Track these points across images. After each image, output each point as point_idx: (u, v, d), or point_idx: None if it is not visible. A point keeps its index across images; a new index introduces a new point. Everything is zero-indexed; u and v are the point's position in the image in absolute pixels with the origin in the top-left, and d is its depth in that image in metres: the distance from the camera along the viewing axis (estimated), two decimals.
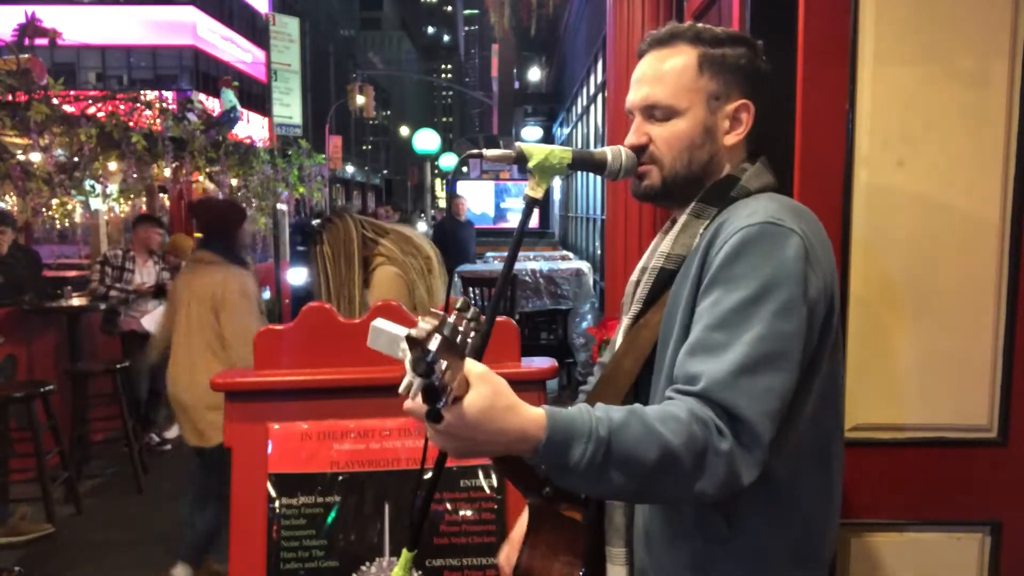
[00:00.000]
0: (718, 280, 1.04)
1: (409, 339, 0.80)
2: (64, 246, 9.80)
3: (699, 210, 1.17)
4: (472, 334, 0.89)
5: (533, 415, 0.93)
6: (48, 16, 5.82)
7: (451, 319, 0.87)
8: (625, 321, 1.23)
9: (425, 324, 0.82)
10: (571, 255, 9.41)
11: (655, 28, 1.25)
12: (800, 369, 1.02)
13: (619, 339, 1.24)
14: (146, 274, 5.27)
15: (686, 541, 1.11)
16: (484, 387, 0.89)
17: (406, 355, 0.84)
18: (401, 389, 0.88)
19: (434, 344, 0.79)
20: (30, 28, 5.33)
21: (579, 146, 10.03)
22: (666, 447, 0.93)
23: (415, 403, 0.87)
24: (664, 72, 1.17)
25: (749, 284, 1.01)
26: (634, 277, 1.28)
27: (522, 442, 0.92)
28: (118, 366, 4.67)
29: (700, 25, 1.18)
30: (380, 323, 1.00)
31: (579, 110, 12.26)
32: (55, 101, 4.86)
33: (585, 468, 0.92)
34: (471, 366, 0.90)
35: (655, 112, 1.17)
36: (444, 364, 0.80)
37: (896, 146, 1.62)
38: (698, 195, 1.18)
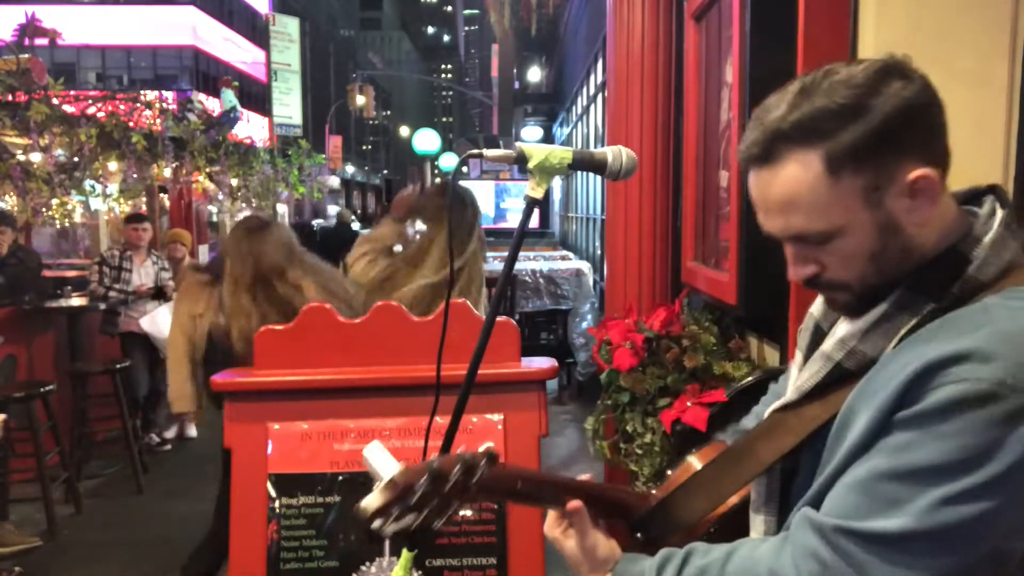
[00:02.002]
0: (916, 424, 0.81)
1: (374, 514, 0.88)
2: (64, 246, 9.80)
3: (906, 300, 0.89)
4: (471, 480, 0.93)
5: (608, 555, 1.00)
6: (48, 16, 5.83)
7: (423, 483, 0.90)
8: (777, 401, 1.03)
9: (398, 478, 0.89)
10: (571, 255, 9.41)
11: (655, 28, 1.22)
12: (985, 551, 0.81)
13: (766, 409, 1.05)
14: (144, 274, 5.27)
15: None
16: (573, 544, 1.02)
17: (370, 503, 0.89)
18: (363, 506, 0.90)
19: (385, 526, 0.88)
20: (30, 28, 5.34)
21: (579, 146, 10.03)
22: None
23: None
24: (787, 198, 0.88)
25: (948, 449, 0.79)
26: (816, 312, 1.06)
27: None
28: (118, 366, 4.67)
29: (810, 109, 0.86)
30: (370, 452, 1.00)
31: (579, 110, 12.26)
32: (55, 101, 4.86)
33: None
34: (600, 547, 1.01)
35: (808, 241, 0.91)
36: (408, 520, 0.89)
37: None
38: (895, 287, 0.90)
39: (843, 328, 0.95)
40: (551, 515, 1.07)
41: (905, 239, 0.88)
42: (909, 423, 0.82)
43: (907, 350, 0.85)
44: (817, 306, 1.05)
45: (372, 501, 0.88)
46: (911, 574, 0.80)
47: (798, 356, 1.07)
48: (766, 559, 0.89)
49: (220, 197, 7.28)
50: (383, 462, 0.95)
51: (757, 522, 1.04)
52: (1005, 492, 0.78)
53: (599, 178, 4.03)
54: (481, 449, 0.94)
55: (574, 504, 1.02)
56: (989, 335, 0.80)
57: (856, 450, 0.86)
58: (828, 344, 0.96)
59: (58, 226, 6.35)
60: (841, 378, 0.93)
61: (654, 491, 1.14)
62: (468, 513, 2.13)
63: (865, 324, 0.91)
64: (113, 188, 5.94)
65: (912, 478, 0.81)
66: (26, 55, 4.99)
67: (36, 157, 4.91)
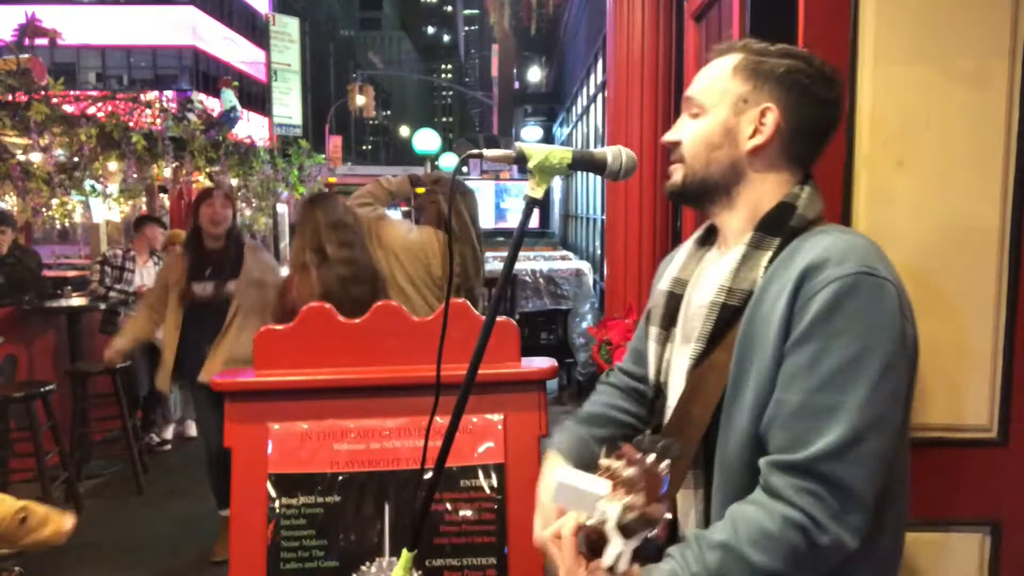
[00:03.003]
0: (813, 335, 1.00)
1: (643, 518, 0.82)
2: (65, 246, 9.80)
3: (758, 240, 1.12)
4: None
5: None
6: (48, 16, 5.82)
7: (663, 470, 0.86)
8: (684, 361, 1.16)
9: (636, 478, 0.84)
10: (571, 255, 9.41)
11: (655, 28, 1.27)
12: (901, 423, 1.02)
13: (671, 377, 1.20)
14: (146, 274, 5.27)
15: None
16: None
17: (605, 518, 0.84)
18: (608, 561, 0.87)
19: (662, 515, 0.83)
20: (30, 28, 5.33)
21: (579, 146, 10.03)
22: (770, 574, 0.96)
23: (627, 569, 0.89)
24: (705, 73, 1.18)
25: (850, 342, 0.98)
26: (665, 286, 1.25)
27: None
28: (118, 366, 4.67)
29: (766, 43, 1.16)
30: (565, 476, 0.90)
31: (579, 110, 12.26)
32: (55, 101, 4.86)
33: None
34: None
35: (690, 108, 1.17)
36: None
37: (896, 146, 1.62)
38: (713, 200, 1.17)
39: (712, 279, 1.15)
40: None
41: (735, 154, 1.14)
42: (807, 337, 1.00)
43: (778, 274, 1.06)
44: (666, 280, 1.27)
45: (634, 497, 0.83)
46: (872, 458, 0.97)
47: (654, 331, 1.25)
48: (764, 514, 0.98)
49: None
50: (588, 484, 0.89)
51: (687, 479, 1.15)
52: (902, 354, 1.01)
53: (599, 178, 4.04)
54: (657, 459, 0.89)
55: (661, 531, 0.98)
56: (832, 246, 1.04)
57: (768, 373, 1.03)
58: (704, 295, 1.15)
59: (58, 226, 6.35)
60: (731, 317, 1.10)
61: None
62: (468, 513, 2.13)
63: (732, 265, 1.12)
64: (113, 188, 5.93)
65: (837, 381, 0.98)
66: (26, 55, 4.98)
67: (36, 157, 4.90)
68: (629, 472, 0.84)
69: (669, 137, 1.19)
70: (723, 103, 1.14)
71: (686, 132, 1.17)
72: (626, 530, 0.82)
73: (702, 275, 1.20)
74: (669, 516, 0.82)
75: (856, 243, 1.05)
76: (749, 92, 1.12)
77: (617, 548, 0.83)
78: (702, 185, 1.16)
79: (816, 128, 1.14)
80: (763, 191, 1.14)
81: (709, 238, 1.26)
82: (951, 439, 1.67)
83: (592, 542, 0.89)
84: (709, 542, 0.98)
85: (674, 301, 1.22)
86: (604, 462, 0.91)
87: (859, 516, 0.97)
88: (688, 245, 1.30)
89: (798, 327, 1.00)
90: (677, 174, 1.18)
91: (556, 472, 0.94)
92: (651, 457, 0.86)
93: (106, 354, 3.83)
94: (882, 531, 1.07)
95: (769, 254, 1.09)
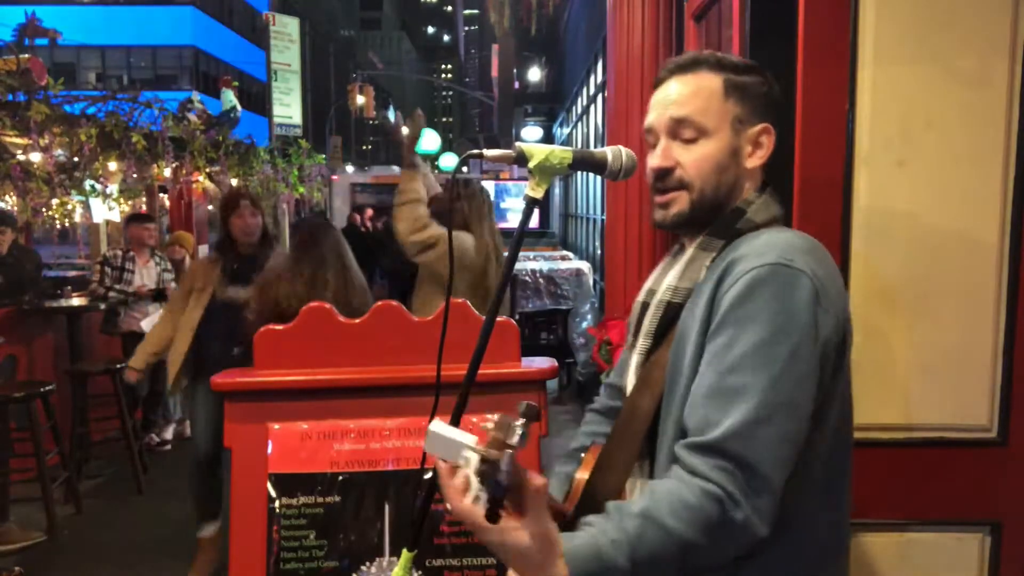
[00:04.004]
0: (727, 321, 1.04)
1: (484, 459, 0.88)
2: (65, 247, 9.80)
3: (705, 243, 1.17)
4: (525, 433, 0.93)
5: (558, 570, 0.96)
6: (48, 16, 5.82)
7: (518, 427, 0.91)
8: (635, 357, 1.23)
9: (496, 434, 0.90)
10: (571, 255, 9.41)
11: (655, 28, 1.27)
12: (812, 410, 1.04)
13: (630, 373, 1.24)
14: (146, 275, 5.27)
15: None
16: (530, 539, 0.94)
17: (469, 463, 0.90)
18: (468, 500, 0.92)
19: (506, 464, 0.87)
20: (30, 28, 5.33)
21: (579, 146, 10.03)
22: (686, 543, 0.97)
23: (470, 508, 0.92)
24: (692, 93, 1.17)
25: (760, 327, 1.02)
26: (640, 298, 1.28)
27: None
28: (118, 366, 4.67)
29: (719, 54, 1.20)
30: (437, 427, 0.98)
31: (579, 110, 12.27)
32: (55, 101, 4.86)
33: None
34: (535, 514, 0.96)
35: (683, 131, 1.17)
36: (509, 478, 0.87)
37: (896, 146, 1.62)
38: (711, 220, 1.18)
39: (666, 281, 1.20)
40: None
41: (739, 171, 1.18)
42: (722, 324, 1.05)
43: (710, 272, 1.12)
44: (641, 292, 1.29)
45: (495, 436, 0.89)
46: (781, 442, 1.00)
47: (629, 339, 1.29)
48: (686, 487, 0.99)
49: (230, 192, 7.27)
50: (455, 434, 0.96)
51: (634, 470, 1.19)
52: (811, 342, 1.03)
53: (599, 178, 4.04)
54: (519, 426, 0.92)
55: (540, 482, 0.96)
56: (759, 243, 1.10)
57: (695, 363, 1.08)
58: (657, 296, 1.20)
59: (58, 226, 6.34)
60: (675, 315, 1.16)
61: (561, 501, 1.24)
62: None
63: (681, 267, 1.18)
64: (113, 188, 5.93)
65: (744, 363, 1.01)
66: (26, 55, 4.98)
67: (36, 157, 4.90)
68: (491, 427, 0.91)
69: (661, 164, 1.18)
70: (725, 125, 1.16)
71: (686, 156, 1.17)
72: (482, 476, 0.88)
73: (660, 278, 1.25)
74: (507, 463, 0.86)
75: (782, 240, 1.09)
76: (744, 113, 1.17)
77: (474, 491, 0.90)
78: (711, 207, 1.17)
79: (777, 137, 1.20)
80: (748, 185, 1.20)
81: (682, 250, 1.29)
82: (951, 439, 1.67)
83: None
84: (628, 511, 1.00)
85: (644, 310, 1.25)
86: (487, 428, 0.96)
87: (766, 499, 0.99)
88: (665, 259, 1.33)
89: (716, 317, 1.06)
90: (682, 202, 1.18)
91: (432, 424, 0.99)
92: (515, 419, 0.92)
93: (128, 376, 3.74)
94: (812, 535, 1.10)
95: (712, 254, 1.15)
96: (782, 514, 1.01)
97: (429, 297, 3.13)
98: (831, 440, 1.10)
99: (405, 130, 3.23)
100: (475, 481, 0.90)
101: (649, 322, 1.20)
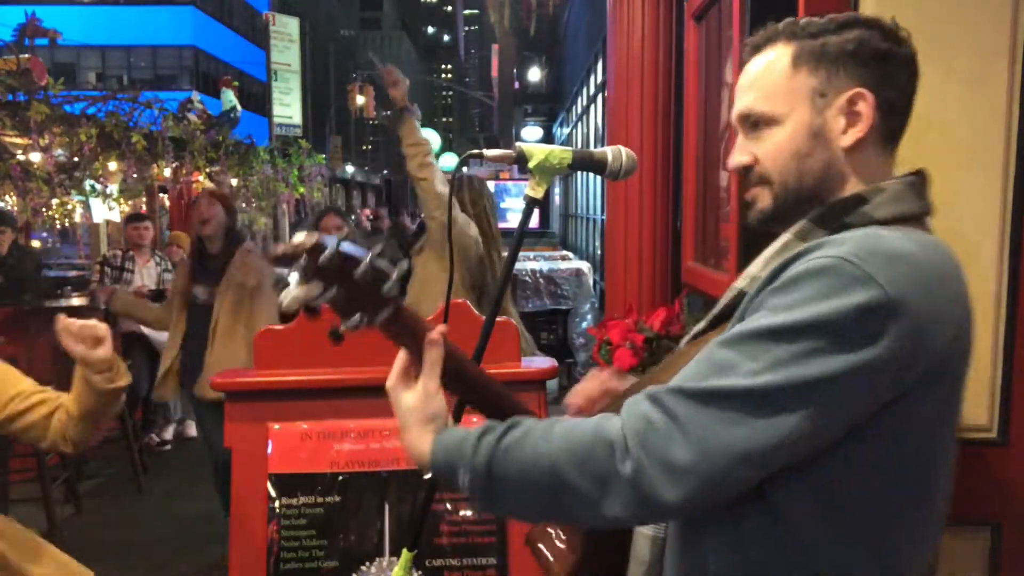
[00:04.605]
0: (759, 305, 0.88)
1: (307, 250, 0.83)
2: (64, 246, 9.79)
3: (804, 230, 0.96)
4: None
5: (423, 440, 0.97)
6: (48, 16, 5.82)
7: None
8: (688, 335, 1.09)
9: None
10: (571, 255, 9.41)
11: (655, 28, 1.23)
12: (813, 437, 0.84)
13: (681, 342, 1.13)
14: (146, 275, 5.27)
15: None
16: (411, 395, 0.99)
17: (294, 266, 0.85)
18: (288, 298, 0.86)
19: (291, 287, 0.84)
20: (30, 28, 5.33)
21: (579, 146, 10.03)
22: (557, 474, 0.87)
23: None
24: (756, 77, 1.00)
25: (782, 317, 0.83)
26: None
27: (418, 458, 0.99)
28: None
29: (804, 19, 0.99)
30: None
31: (579, 110, 12.27)
32: (55, 101, 4.87)
33: (471, 492, 0.92)
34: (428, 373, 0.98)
35: (752, 123, 1.00)
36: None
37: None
38: (804, 214, 0.98)
39: (750, 267, 1.02)
40: (399, 365, 1.03)
41: (829, 155, 0.96)
42: (759, 303, 0.88)
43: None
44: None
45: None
46: (734, 433, 0.82)
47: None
48: (595, 419, 0.90)
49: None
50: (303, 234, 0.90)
51: None
52: (845, 358, 0.81)
53: (599, 178, 4.04)
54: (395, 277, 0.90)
55: (435, 335, 0.97)
56: (847, 235, 0.88)
57: None
58: (738, 279, 1.03)
59: (59, 226, 6.35)
60: (739, 304, 0.97)
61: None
62: (468, 513, 2.13)
63: (768, 254, 0.99)
64: (113, 188, 5.93)
65: (748, 342, 0.84)
66: (26, 55, 4.98)
67: (36, 157, 4.91)
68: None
69: (739, 161, 1.02)
70: (798, 104, 0.96)
71: (761, 149, 0.99)
72: (307, 273, 0.84)
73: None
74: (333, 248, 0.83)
75: (879, 238, 0.87)
76: (823, 82, 0.95)
77: (295, 292, 0.85)
78: (796, 201, 0.98)
79: (908, 95, 0.98)
80: (850, 171, 0.98)
81: None
82: None
83: None
84: (525, 424, 0.93)
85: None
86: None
87: (680, 475, 0.82)
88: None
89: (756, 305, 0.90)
90: (764, 198, 1.01)
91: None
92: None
93: (103, 295, 3.81)
94: None
95: (806, 246, 0.92)
96: (794, 556, 0.88)
97: (432, 268, 3.08)
98: (884, 491, 0.89)
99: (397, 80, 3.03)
100: (296, 283, 0.85)
101: (717, 306, 1.04)
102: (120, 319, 5.17)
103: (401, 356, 1.02)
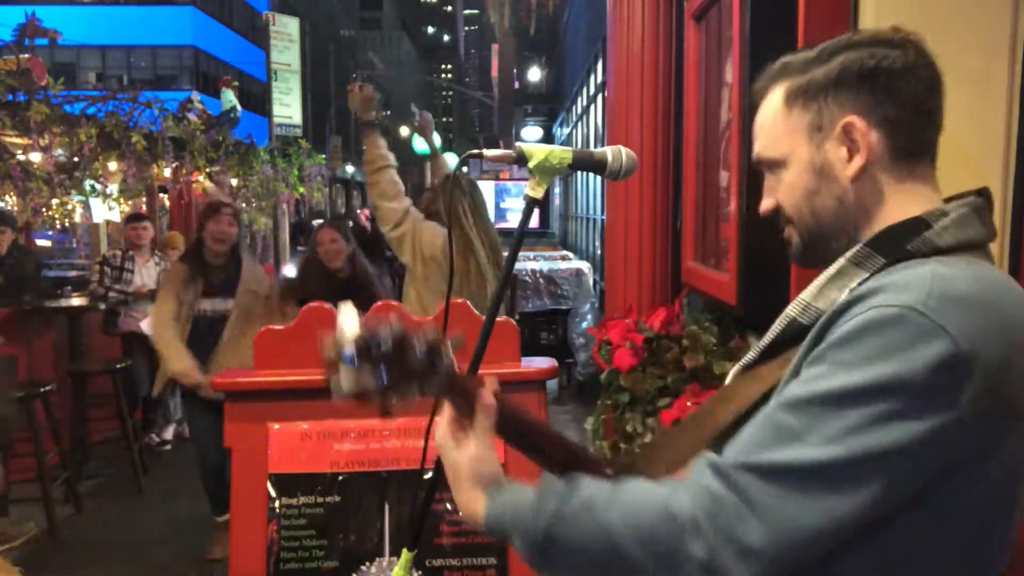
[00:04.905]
0: (822, 358, 0.82)
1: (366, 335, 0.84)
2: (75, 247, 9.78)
3: (860, 256, 0.90)
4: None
5: (476, 503, 0.93)
6: (48, 16, 5.82)
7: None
8: (738, 365, 1.06)
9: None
10: (571, 255, 9.41)
11: (655, 28, 1.23)
12: (885, 505, 0.78)
13: (727, 377, 1.09)
14: (146, 275, 5.27)
15: None
16: (462, 454, 0.95)
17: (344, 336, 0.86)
18: (347, 385, 0.87)
19: (343, 379, 0.85)
20: (30, 28, 5.33)
21: (579, 146, 10.03)
22: (617, 549, 0.82)
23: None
24: (760, 123, 0.99)
25: (849, 377, 0.77)
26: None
27: (470, 518, 0.95)
28: (118, 366, 4.67)
29: (796, 55, 0.97)
30: (346, 310, 0.93)
31: (579, 110, 12.27)
32: (55, 101, 4.86)
33: (527, 558, 0.89)
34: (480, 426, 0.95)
35: (768, 167, 1.00)
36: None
37: None
38: (843, 248, 0.94)
39: (803, 293, 0.97)
40: (448, 420, 1.00)
41: (839, 189, 0.93)
42: (820, 356, 0.82)
43: (850, 296, 0.85)
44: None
45: (342, 336, 0.85)
46: (808, 510, 0.77)
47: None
48: (663, 492, 0.84)
49: (221, 197, 7.28)
50: (351, 320, 0.90)
51: None
52: (917, 418, 0.76)
53: (599, 178, 4.04)
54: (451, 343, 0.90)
55: (488, 400, 0.95)
56: (916, 276, 0.82)
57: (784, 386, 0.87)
58: (789, 306, 0.98)
59: (59, 226, 6.35)
60: (796, 335, 0.93)
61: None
62: None
63: (822, 281, 0.93)
64: (113, 188, 5.93)
65: (814, 407, 0.79)
66: (26, 55, 4.98)
67: (36, 157, 4.91)
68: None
69: (765, 207, 1.01)
70: (798, 143, 0.94)
71: (780, 191, 0.98)
72: (361, 353, 0.84)
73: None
74: (392, 331, 0.82)
75: (948, 277, 0.81)
76: (816, 116, 0.93)
77: (350, 374, 0.87)
78: (823, 239, 0.96)
79: (915, 103, 0.93)
80: (890, 212, 0.92)
81: None
82: None
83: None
84: (582, 487, 0.88)
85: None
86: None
87: (751, 559, 0.77)
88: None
89: (814, 353, 0.84)
90: (794, 239, 0.99)
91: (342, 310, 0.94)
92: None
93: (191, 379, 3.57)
94: None
95: (864, 275, 0.89)
96: None
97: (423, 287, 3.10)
98: (946, 555, 0.83)
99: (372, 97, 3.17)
100: (348, 361, 0.84)
101: (768, 335, 1.00)
102: (120, 320, 5.18)
103: (448, 411, 1.00)
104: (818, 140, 0.93)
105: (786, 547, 0.77)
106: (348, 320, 0.88)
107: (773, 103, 0.97)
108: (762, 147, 0.99)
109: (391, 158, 3.12)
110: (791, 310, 0.96)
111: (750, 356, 1.01)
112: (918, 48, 0.94)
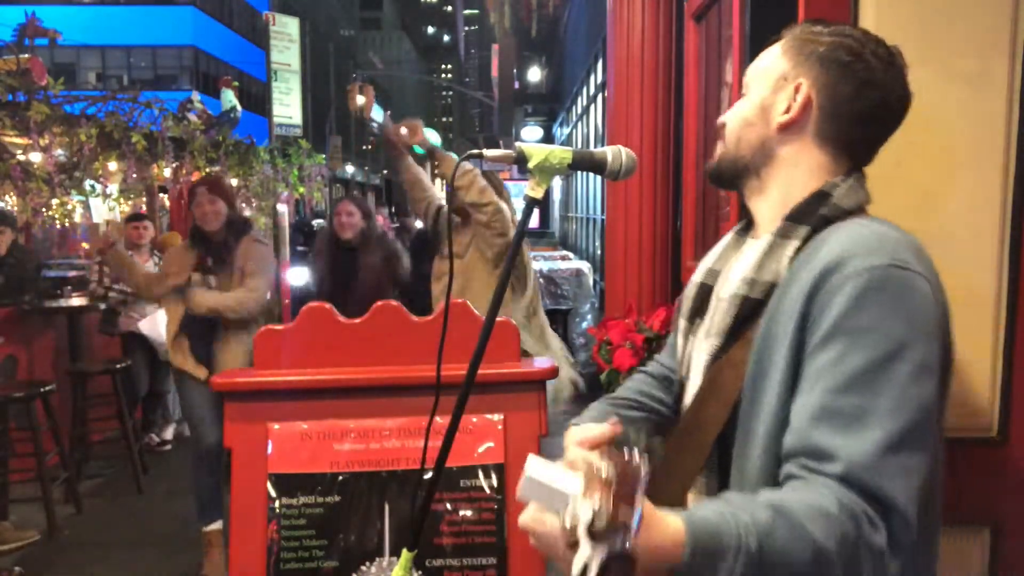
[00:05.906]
0: (836, 333, 0.90)
1: (609, 523, 0.69)
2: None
3: (785, 230, 1.03)
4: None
5: (671, 533, 0.79)
6: (48, 16, 5.82)
7: (642, 472, 0.73)
8: (703, 357, 1.09)
9: (618, 486, 0.70)
10: (571, 255, 9.41)
11: (655, 28, 1.27)
12: (937, 439, 0.93)
13: (692, 371, 1.12)
14: None
15: None
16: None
17: (577, 520, 0.70)
18: (577, 569, 0.70)
19: (635, 520, 0.69)
20: (30, 28, 5.33)
21: (579, 146, 10.03)
22: (819, 552, 0.81)
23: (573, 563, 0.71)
24: (761, 55, 1.15)
25: (879, 341, 0.88)
26: (698, 278, 1.18)
27: (661, 561, 0.79)
28: (118, 366, 4.67)
29: (817, 23, 1.11)
30: (536, 470, 0.77)
31: (579, 110, 12.27)
32: (55, 101, 4.86)
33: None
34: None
35: (742, 92, 1.15)
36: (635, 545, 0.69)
37: (896, 146, 1.62)
38: (745, 183, 1.11)
39: (737, 270, 1.07)
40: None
41: (766, 132, 1.08)
42: (831, 336, 0.91)
43: (800, 269, 0.97)
44: (700, 271, 1.18)
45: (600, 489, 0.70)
46: (910, 468, 0.86)
47: (681, 323, 1.18)
48: (816, 496, 0.85)
49: None
50: (558, 481, 0.75)
51: (698, 483, 1.08)
52: (937, 354, 0.91)
53: (599, 178, 4.05)
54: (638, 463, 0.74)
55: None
56: (862, 238, 0.95)
57: (787, 374, 0.94)
58: (728, 287, 1.07)
59: (58, 226, 6.35)
60: (752, 312, 1.02)
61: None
62: (468, 513, 2.13)
63: (756, 256, 1.04)
64: (113, 188, 5.93)
65: (863, 383, 0.88)
66: (26, 55, 4.98)
67: (36, 157, 4.90)
68: (605, 469, 0.72)
69: (718, 121, 1.17)
70: (765, 82, 1.10)
71: (731, 113, 1.14)
72: (595, 536, 0.69)
73: (731, 266, 1.12)
74: (636, 523, 0.69)
75: (888, 234, 0.96)
76: (789, 70, 1.08)
77: (585, 554, 0.70)
78: (732, 165, 1.12)
79: (855, 110, 1.04)
80: (795, 176, 1.06)
81: (749, 228, 1.17)
82: (951, 438, 1.66)
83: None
84: (755, 500, 0.85)
85: (704, 292, 1.15)
86: (578, 453, 0.87)
87: (907, 538, 0.85)
88: (728, 235, 1.21)
89: (821, 326, 0.91)
90: (716, 155, 1.15)
91: (527, 464, 0.79)
92: (633, 457, 0.73)
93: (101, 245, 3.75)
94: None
95: (796, 244, 1.01)
96: None
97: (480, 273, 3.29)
98: (936, 471, 0.97)
99: (404, 130, 3.34)
100: (585, 540, 0.70)
101: (721, 319, 1.06)
102: (119, 320, 5.18)
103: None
104: (777, 87, 1.08)
105: (915, 501, 0.86)
106: (558, 480, 0.75)
107: (776, 46, 1.12)
108: (748, 72, 1.14)
109: (474, 167, 3.43)
110: (738, 289, 1.04)
111: (714, 344, 1.07)
112: (901, 80, 1.06)
